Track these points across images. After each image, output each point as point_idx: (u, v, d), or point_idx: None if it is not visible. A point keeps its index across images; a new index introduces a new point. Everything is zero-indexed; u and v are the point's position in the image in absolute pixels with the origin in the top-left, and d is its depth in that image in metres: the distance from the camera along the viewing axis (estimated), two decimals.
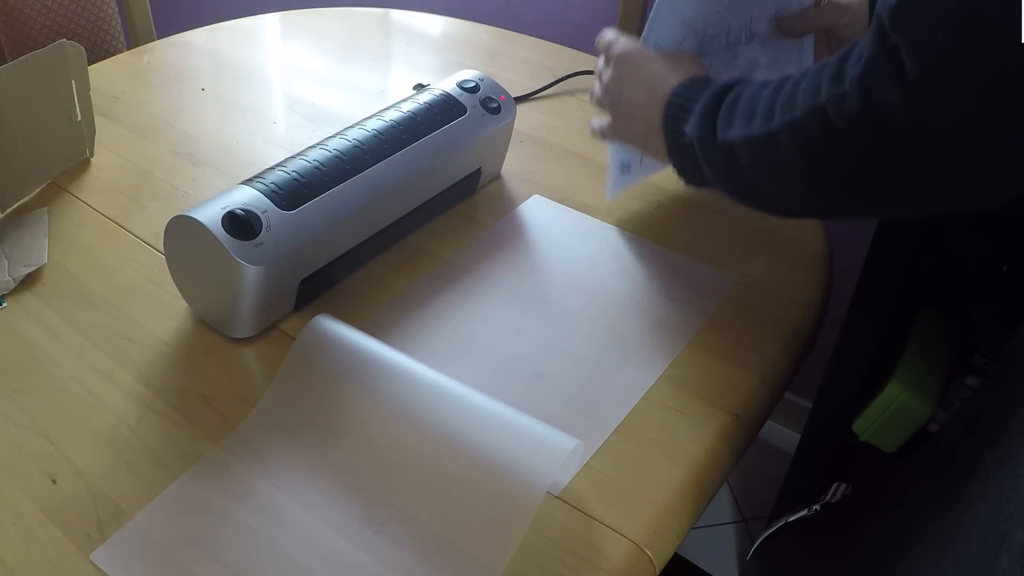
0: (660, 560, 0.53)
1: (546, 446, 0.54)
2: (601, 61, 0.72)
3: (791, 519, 0.66)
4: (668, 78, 0.65)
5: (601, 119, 0.74)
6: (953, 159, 0.45)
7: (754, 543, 0.68)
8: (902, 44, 0.44)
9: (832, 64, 0.49)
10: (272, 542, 0.52)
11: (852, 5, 0.73)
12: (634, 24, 1.37)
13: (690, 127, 0.60)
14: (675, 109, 0.63)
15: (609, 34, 0.73)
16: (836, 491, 0.66)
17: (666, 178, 0.82)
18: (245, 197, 0.63)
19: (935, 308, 1.00)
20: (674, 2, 0.68)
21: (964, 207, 0.49)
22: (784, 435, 1.55)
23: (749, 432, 0.62)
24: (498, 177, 0.88)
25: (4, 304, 0.70)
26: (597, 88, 0.73)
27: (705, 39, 0.72)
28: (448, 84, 0.80)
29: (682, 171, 0.65)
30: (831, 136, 0.49)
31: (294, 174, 0.66)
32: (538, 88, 1.03)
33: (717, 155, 0.58)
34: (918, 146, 0.45)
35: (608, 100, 0.71)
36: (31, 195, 0.83)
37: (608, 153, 0.79)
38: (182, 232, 0.64)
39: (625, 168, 0.80)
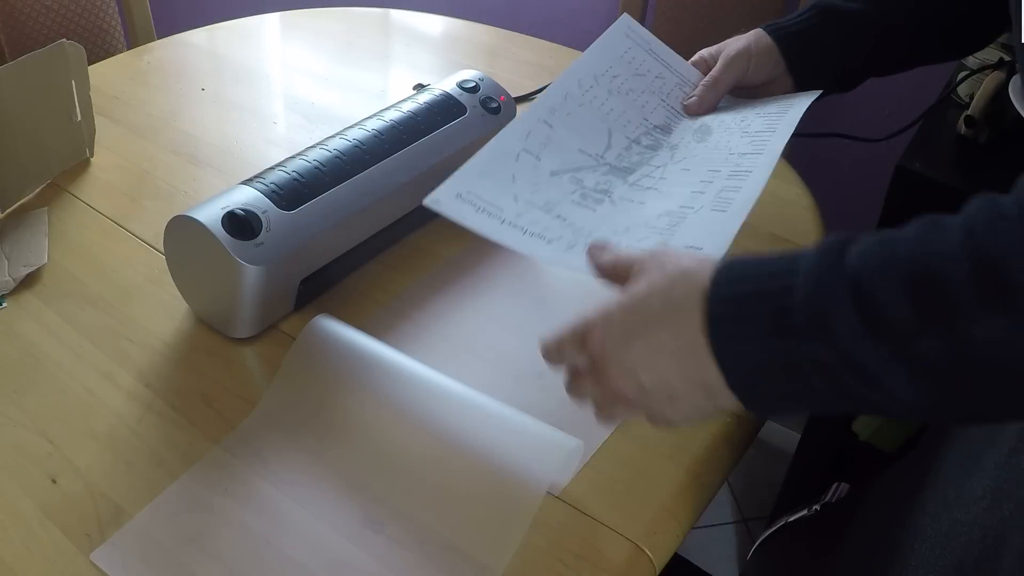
0: (660, 560, 0.53)
1: (546, 446, 0.54)
2: (566, 368, 0.50)
3: (791, 519, 0.66)
4: (683, 293, 0.42)
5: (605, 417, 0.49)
6: None
7: (754, 543, 0.68)
8: None
9: None
10: (272, 542, 0.52)
11: (750, 48, 0.71)
12: None
13: (811, 350, 0.37)
14: (734, 323, 0.40)
15: (563, 336, 0.49)
16: (836, 491, 0.66)
17: None
18: (245, 197, 0.63)
19: None
20: (527, 175, 0.62)
21: None
22: (784, 435, 1.55)
23: (749, 432, 0.62)
24: None
25: (4, 304, 0.70)
26: (596, 408, 0.49)
27: (613, 163, 0.68)
28: (448, 84, 0.80)
29: (763, 402, 0.41)
30: None
31: (294, 174, 0.66)
32: (538, 88, 1.03)
33: (901, 370, 0.36)
34: None
35: (630, 406, 0.46)
36: (31, 195, 0.83)
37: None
38: (182, 232, 0.64)
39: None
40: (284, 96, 1.05)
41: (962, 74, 1.02)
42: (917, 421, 0.38)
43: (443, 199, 0.58)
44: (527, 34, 1.20)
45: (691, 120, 0.73)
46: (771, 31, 0.71)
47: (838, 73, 0.72)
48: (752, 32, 0.72)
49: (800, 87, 0.72)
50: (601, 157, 0.68)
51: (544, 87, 1.03)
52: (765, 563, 0.67)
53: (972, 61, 1.01)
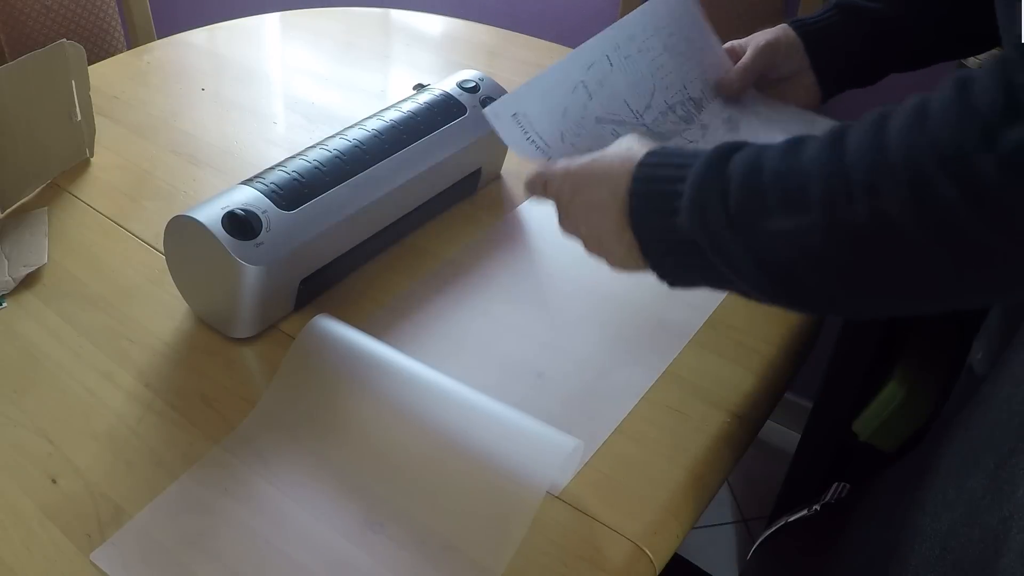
0: (660, 560, 0.53)
1: (546, 446, 0.54)
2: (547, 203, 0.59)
3: (791, 519, 0.66)
4: (617, 168, 0.51)
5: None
6: None
7: (754, 543, 0.68)
8: None
9: (957, 121, 0.34)
10: (272, 542, 0.52)
11: (780, 40, 0.73)
12: None
13: (685, 216, 0.45)
14: (647, 195, 0.49)
15: (533, 177, 0.59)
16: (836, 491, 0.66)
17: None
18: (245, 197, 0.63)
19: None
20: (577, 113, 0.64)
21: None
22: (784, 435, 1.55)
23: (749, 432, 0.62)
24: (498, 177, 0.88)
25: (4, 304, 0.70)
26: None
27: (650, 126, 0.69)
28: (448, 84, 0.80)
29: (671, 277, 0.50)
30: (1003, 211, 0.33)
31: (294, 174, 0.66)
32: None
33: (746, 254, 0.43)
34: None
35: (578, 241, 0.57)
36: (31, 195, 0.83)
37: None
38: (182, 232, 0.64)
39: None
40: (284, 96, 1.05)
41: None
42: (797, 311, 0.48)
43: (501, 113, 0.62)
44: (527, 34, 1.20)
45: (720, 106, 0.75)
46: (796, 27, 0.73)
47: (859, 69, 0.74)
48: (779, 27, 0.74)
49: (822, 82, 0.74)
50: (641, 116, 0.70)
51: None
52: (765, 563, 0.67)
53: (972, 62, 1.01)
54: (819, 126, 0.70)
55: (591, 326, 0.69)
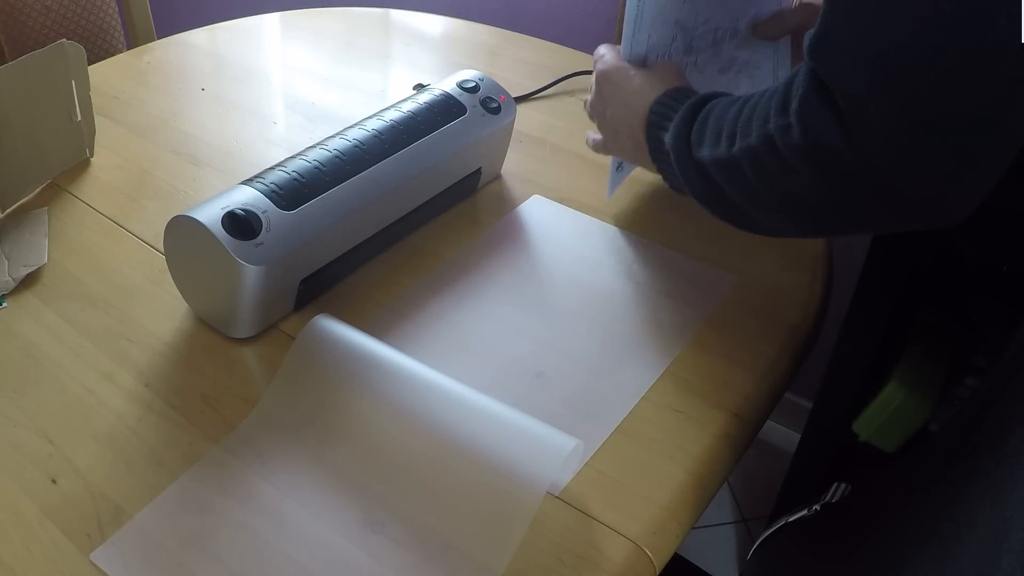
0: (660, 560, 0.53)
1: (546, 446, 0.54)
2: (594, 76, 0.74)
3: (791, 519, 0.66)
4: (648, 92, 0.67)
5: (595, 133, 0.76)
6: (898, 195, 0.46)
7: (754, 543, 0.68)
8: (825, 77, 0.45)
9: (779, 92, 0.50)
10: (272, 542, 0.52)
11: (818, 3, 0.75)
12: None
13: (668, 138, 0.62)
14: (656, 118, 0.65)
15: (601, 48, 0.74)
16: (836, 491, 0.66)
17: None
18: (245, 197, 0.63)
19: (935, 308, 1.00)
20: (662, 6, 0.69)
21: (925, 227, 0.50)
22: (784, 435, 1.55)
23: (749, 432, 0.62)
24: (498, 177, 0.88)
25: (4, 304, 0.70)
26: (588, 104, 0.75)
27: (695, 38, 0.73)
28: (448, 84, 0.80)
29: (665, 177, 0.67)
30: (782, 164, 0.49)
31: (294, 174, 0.66)
32: (538, 88, 1.03)
33: (692, 170, 0.59)
34: (864, 178, 0.46)
35: (596, 118, 0.73)
36: (31, 195, 0.83)
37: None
38: (182, 232, 0.64)
39: (619, 167, 0.81)
40: (284, 96, 1.05)
41: None
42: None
43: None
44: (527, 34, 1.20)
45: (748, 49, 0.79)
46: None
47: None
48: None
49: None
50: (693, 32, 0.74)
51: (544, 87, 1.03)
52: (765, 563, 0.67)
53: None
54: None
55: (591, 326, 0.69)
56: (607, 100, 0.71)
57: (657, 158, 0.66)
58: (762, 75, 0.80)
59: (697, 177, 0.59)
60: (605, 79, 0.71)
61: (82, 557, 0.51)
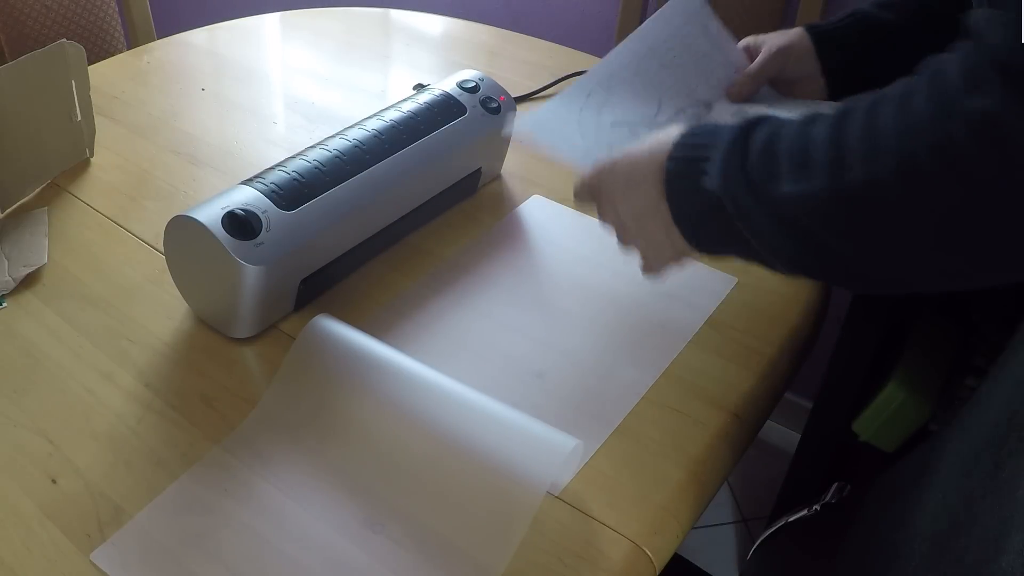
0: (660, 560, 0.53)
1: (546, 446, 0.54)
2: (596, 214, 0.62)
3: (791, 519, 0.66)
4: (656, 151, 0.54)
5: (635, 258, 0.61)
6: None
7: (754, 543, 0.68)
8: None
9: (941, 80, 0.39)
10: (272, 542, 0.52)
11: (793, 45, 0.74)
12: (634, 26, 1.37)
13: (713, 181, 0.49)
14: (681, 164, 0.52)
15: (578, 185, 0.62)
16: (836, 491, 0.66)
17: None
18: (245, 197, 0.63)
19: (935, 308, 1.00)
20: (591, 122, 0.69)
21: None
22: (784, 435, 1.55)
23: (749, 432, 0.62)
24: (498, 177, 0.88)
25: (4, 304, 0.70)
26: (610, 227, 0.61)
27: (671, 121, 0.73)
28: (448, 84, 0.80)
29: (702, 240, 0.53)
30: (1004, 155, 0.37)
31: (294, 174, 0.66)
32: (538, 88, 1.03)
33: (763, 217, 0.47)
34: None
35: (621, 234, 0.59)
36: (31, 195, 0.83)
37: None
38: (182, 232, 0.64)
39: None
40: (284, 96, 1.05)
41: None
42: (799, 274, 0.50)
43: (518, 130, 0.70)
44: (527, 34, 1.20)
45: (729, 104, 0.77)
46: (811, 32, 0.74)
47: (867, 78, 0.74)
48: (795, 30, 0.75)
49: (831, 87, 0.75)
50: (654, 118, 0.73)
51: (544, 87, 1.03)
52: (765, 563, 0.67)
53: None
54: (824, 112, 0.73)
55: (591, 326, 0.69)
56: (614, 199, 0.57)
57: (688, 211, 0.52)
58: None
59: (774, 224, 0.46)
60: (600, 182, 0.59)
61: (82, 557, 0.51)
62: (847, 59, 0.74)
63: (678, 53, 0.77)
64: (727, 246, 0.52)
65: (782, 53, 0.74)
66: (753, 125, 0.49)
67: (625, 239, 0.59)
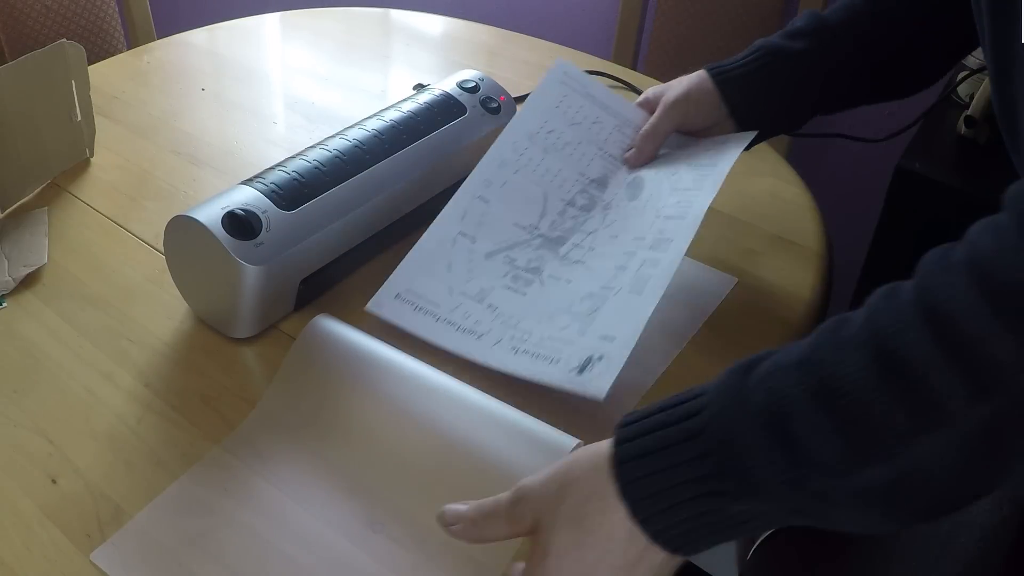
0: None
1: (545, 446, 0.54)
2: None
3: None
4: (595, 452, 0.42)
5: None
6: None
7: (754, 543, 0.68)
8: None
9: (962, 280, 0.33)
10: (272, 542, 0.52)
11: (690, 94, 0.71)
12: (634, 26, 1.37)
13: (751, 481, 0.37)
14: (637, 447, 0.40)
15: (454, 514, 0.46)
16: None
17: None
18: (245, 197, 0.63)
19: None
20: (463, 261, 0.67)
21: None
22: None
23: None
24: None
25: (4, 304, 0.70)
26: None
27: (546, 233, 0.70)
28: (448, 84, 0.80)
29: (678, 539, 0.42)
30: None
31: (294, 174, 0.66)
32: None
33: (836, 508, 0.36)
34: None
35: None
36: (31, 195, 0.83)
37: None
38: (182, 232, 0.64)
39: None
40: (284, 96, 1.05)
41: (962, 74, 1.02)
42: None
43: (384, 302, 0.66)
44: (527, 34, 1.20)
45: (627, 172, 0.74)
46: (714, 75, 0.71)
47: (782, 115, 0.72)
48: (696, 74, 0.72)
49: (742, 129, 0.72)
50: (535, 228, 0.70)
51: None
52: (765, 564, 0.67)
53: (972, 61, 1.01)
54: (728, 155, 0.68)
55: None
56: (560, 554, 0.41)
57: (658, 508, 0.39)
58: (668, 187, 0.69)
59: (851, 509, 0.36)
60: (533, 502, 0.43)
61: (82, 557, 0.51)
62: (756, 98, 0.70)
63: (562, 131, 0.74)
64: (715, 534, 0.41)
65: (679, 104, 0.71)
66: (744, 370, 0.39)
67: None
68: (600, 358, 0.58)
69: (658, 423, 0.39)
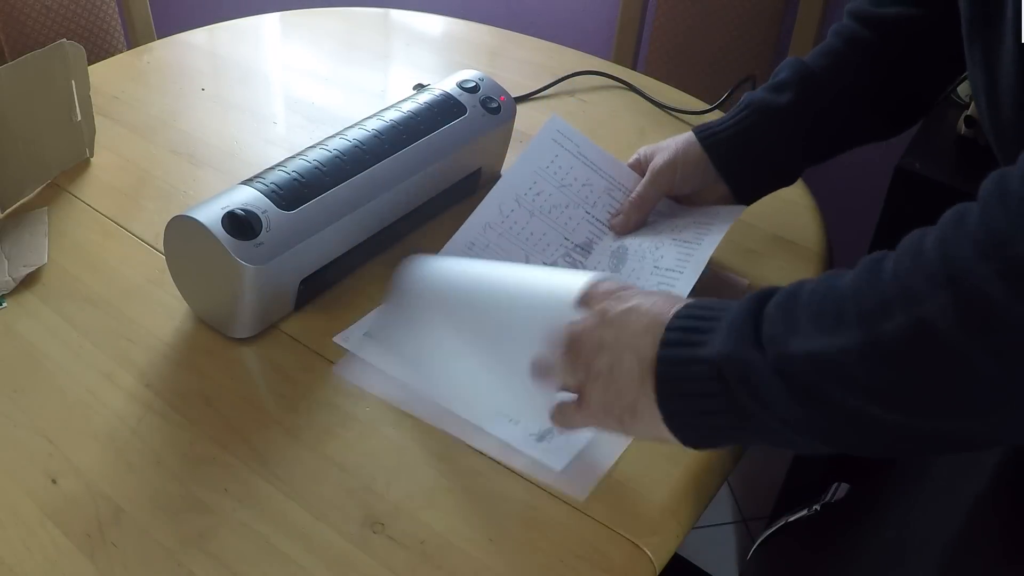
0: (660, 560, 0.53)
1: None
2: (557, 354, 0.49)
3: (791, 519, 0.66)
4: (663, 310, 0.46)
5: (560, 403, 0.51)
6: None
7: (754, 543, 0.68)
8: None
9: (990, 201, 0.35)
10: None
11: (676, 160, 0.70)
12: (634, 26, 1.37)
13: (714, 347, 0.42)
14: (680, 333, 0.44)
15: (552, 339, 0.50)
16: (836, 491, 0.66)
17: None
18: (245, 197, 0.63)
19: None
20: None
21: None
22: None
23: None
24: (498, 177, 0.87)
25: (4, 304, 0.70)
26: (558, 373, 0.50)
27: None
28: (448, 84, 0.80)
29: (690, 424, 0.45)
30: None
31: (294, 174, 0.66)
32: (538, 88, 1.03)
33: (774, 377, 0.40)
34: None
35: (577, 377, 0.49)
36: (31, 195, 0.83)
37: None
38: (182, 232, 0.64)
39: (543, 437, 0.59)
40: (284, 96, 1.05)
41: (962, 75, 1.01)
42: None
43: (351, 336, 0.65)
44: (527, 34, 1.20)
45: (612, 240, 0.73)
46: (702, 138, 0.69)
47: (775, 171, 0.71)
48: (683, 138, 0.71)
49: (736, 191, 0.71)
50: None
51: (544, 87, 1.03)
52: (765, 563, 0.67)
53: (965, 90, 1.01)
54: (713, 233, 0.67)
55: None
56: (595, 354, 0.47)
57: (676, 391, 0.44)
58: (650, 266, 0.68)
59: (786, 387, 0.40)
60: (583, 332, 0.48)
61: (82, 557, 0.51)
62: (747, 157, 0.69)
63: (550, 193, 0.73)
64: (718, 429, 0.44)
65: (666, 171, 0.70)
66: (764, 296, 0.43)
67: (575, 385, 0.49)
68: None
69: (688, 329, 0.45)
